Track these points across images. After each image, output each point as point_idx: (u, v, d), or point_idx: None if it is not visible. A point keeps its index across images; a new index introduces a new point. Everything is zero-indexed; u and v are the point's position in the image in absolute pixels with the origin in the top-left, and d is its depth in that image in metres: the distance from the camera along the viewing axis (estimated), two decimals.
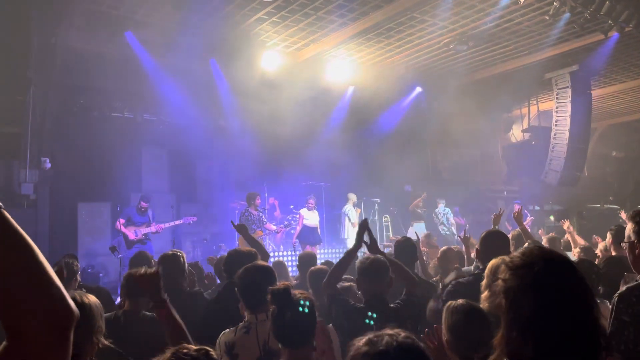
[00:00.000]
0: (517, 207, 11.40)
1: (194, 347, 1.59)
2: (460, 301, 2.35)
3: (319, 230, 10.14)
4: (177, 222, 8.98)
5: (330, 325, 2.83)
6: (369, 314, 2.90)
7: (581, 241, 6.24)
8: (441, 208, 12.31)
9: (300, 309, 2.69)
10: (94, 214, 10.47)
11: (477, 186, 12.77)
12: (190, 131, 11.07)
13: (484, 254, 3.25)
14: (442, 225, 12.11)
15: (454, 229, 12.01)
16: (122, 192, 9.35)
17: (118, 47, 8.99)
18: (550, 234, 6.89)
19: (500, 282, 1.42)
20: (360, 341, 1.31)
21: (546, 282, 1.32)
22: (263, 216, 9.30)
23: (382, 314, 2.89)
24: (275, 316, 2.17)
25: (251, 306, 2.67)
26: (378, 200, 11.74)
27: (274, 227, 9.63)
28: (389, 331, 1.31)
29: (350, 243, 9.70)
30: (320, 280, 3.78)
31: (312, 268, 4.44)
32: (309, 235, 9.78)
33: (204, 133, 11.40)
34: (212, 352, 1.60)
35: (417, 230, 11.39)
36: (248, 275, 2.74)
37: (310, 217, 9.86)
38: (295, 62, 10.75)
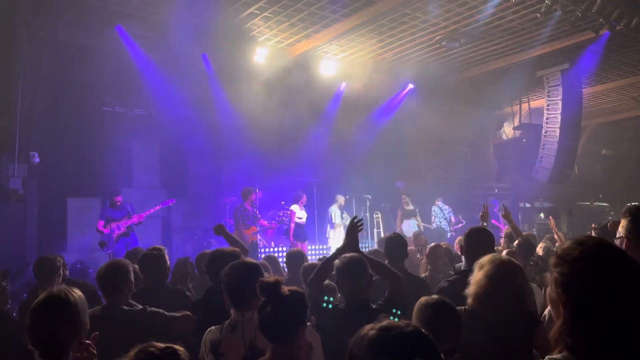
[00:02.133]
0: (497, 206, 11.65)
1: (161, 345, 1.54)
2: (434, 297, 2.41)
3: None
4: (157, 207, 8.88)
5: (309, 324, 2.79)
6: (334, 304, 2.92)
7: (563, 239, 6.27)
8: (441, 205, 12.29)
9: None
10: (83, 209, 10.38)
11: (468, 183, 12.78)
12: (182, 126, 11.05)
13: (469, 252, 3.30)
14: (442, 221, 12.08)
15: (445, 225, 12.02)
16: (112, 187, 9.30)
17: (108, 40, 8.90)
18: (527, 232, 6.87)
19: (555, 274, 1.37)
20: (368, 328, 1.28)
21: (610, 274, 1.28)
22: (257, 212, 9.26)
23: (365, 315, 2.76)
24: (261, 308, 2.13)
25: (237, 304, 2.61)
26: (369, 196, 11.70)
27: (267, 224, 9.59)
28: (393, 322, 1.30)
29: (331, 243, 10.15)
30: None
31: (306, 264, 4.51)
32: (300, 232, 9.78)
33: (195, 128, 11.30)
34: (181, 352, 1.56)
35: (407, 228, 11.60)
36: (234, 272, 2.69)
37: (302, 214, 9.85)
38: (287, 57, 10.71)
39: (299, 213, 9.77)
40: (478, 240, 3.33)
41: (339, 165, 12.56)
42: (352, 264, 3.02)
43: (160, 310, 3.03)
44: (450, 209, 12.17)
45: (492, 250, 3.30)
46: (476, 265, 2.54)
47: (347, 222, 10.00)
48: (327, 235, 10.78)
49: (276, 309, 2.07)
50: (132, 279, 3.19)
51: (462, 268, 3.48)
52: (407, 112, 12.52)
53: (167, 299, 3.44)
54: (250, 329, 2.49)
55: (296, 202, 10.08)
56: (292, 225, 9.60)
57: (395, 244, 4.21)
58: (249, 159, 11.92)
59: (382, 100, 12.72)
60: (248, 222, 9.05)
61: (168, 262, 3.85)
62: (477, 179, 13.34)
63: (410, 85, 12.54)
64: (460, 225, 11.98)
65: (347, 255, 3.12)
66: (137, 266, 3.89)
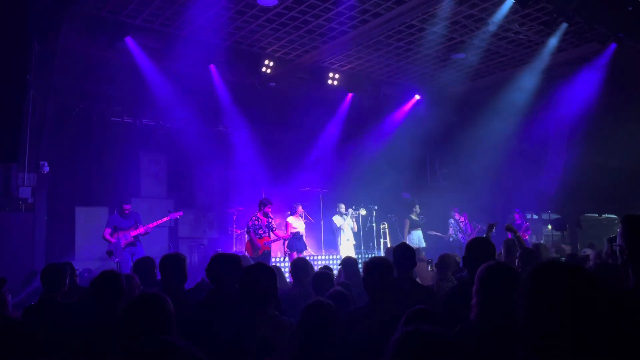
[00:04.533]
0: (517, 217, 11.58)
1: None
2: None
3: (304, 238, 10.13)
4: (164, 219, 8.85)
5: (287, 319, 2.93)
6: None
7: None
8: (457, 216, 12.17)
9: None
10: (91, 218, 10.51)
11: (473, 193, 12.53)
12: (189, 136, 11.36)
13: (470, 261, 3.42)
14: (457, 233, 11.99)
15: (460, 237, 11.93)
16: (120, 197, 9.37)
17: (118, 52, 8.99)
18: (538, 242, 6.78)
19: None
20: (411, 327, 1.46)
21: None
22: (273, 222, 9.29)
23: (389, 313, 2.91)
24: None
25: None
26: (376, 207, 11.71)
27: (282, 234, 9.62)
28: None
29: (343, 250, 10.21)
30: (324, 283, 4.09)
31: (317, 271, 4.59)
32: (296, 242, 9.74)
33: (202, 138, 11.59)
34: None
35: (413, 239, 11.57)
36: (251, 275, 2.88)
37: (298, 225, 9.87)
38: (295, 68, 10.79)
39: (295, 224, 9.81)
40: (478, 251, 3.43)
41: (345, 176, 12.59)
42: (378, 263, 3.19)
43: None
44: (466, 220, 12.06)
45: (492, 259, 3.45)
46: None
47: (351, 218, 10.15)
48: (338, 244, 10.79)
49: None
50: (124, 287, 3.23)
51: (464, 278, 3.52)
52: (414, 122, 12.54)
53: (185, 299, 3.53)
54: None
55: (292, 213, 10.12)
56: (287, 235, 9.60)
57: (403, 252, 4.17)
58: (256, 169, 12.09)
59: (389, 111, 12.83)
60: (259, 232, 9.03)
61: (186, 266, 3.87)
62: (485, 189, 12.96)
63: (417, 96, 12.57)
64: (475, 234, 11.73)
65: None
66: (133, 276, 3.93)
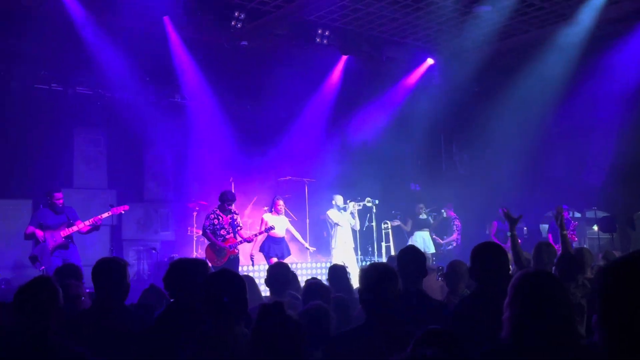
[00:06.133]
0: (566, 215, 11.61)
1: None
2: None
3: (287, 240, 10.10)
4: (105, 215, 8.60)
5: None
6: None
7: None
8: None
9: None
10: (9, 214, 10.47)
11: (500, 185, 12.64)
12: (137, 109, 11.26)
13: (479, 271, 3.58)
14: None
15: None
16: (48, 187, 9.02)
17: (46, 2, 8.90)
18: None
19: None
20: None
21: None
22: (239, 220, 9.29)
23: (389, 334, 2.99)
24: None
25: None
26: (376, 201, 11.45)
27: (249, 236, 9.52)
28: None
29: (336, 254, 10.22)
30: (316, 294, 4.17)
31: (310, 281, 4.72)
32: (274, 246, 9.71)
33: (154, 112, 11.48)
34: None
35: (418, 241, 11.69)
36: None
37: (277, 224, 9.71)
38: (274, 22, 10.67)
39: (272, 222, 9.66)
40: (491, 257, 3.57)
41: (337, 161, 12.53)
42: (379, 271, 3.20)
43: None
44: (457, 220, 12.31)
45: (507, 270, 3.62)
46: None
47: (349, 215, 10.61)
48: (332, 247, 10.76)
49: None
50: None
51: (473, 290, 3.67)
52: (426, 94, 12.53)
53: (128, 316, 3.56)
54: None
55: (271, 209, 10.06)
56: (260, 237, 9.58)
57: (411, 257, 4.14)
58: (223, 152, 12.06)
59: (394, 79, 12.71)
60: (222, 233, 8.97)
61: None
62: (513, 179, 12.99)
63: (430, 61, 12.48)
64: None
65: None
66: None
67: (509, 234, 5.15)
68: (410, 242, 11.49)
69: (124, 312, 3.73)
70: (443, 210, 12.64)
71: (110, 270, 3.65)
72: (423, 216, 12.26)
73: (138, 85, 11.17)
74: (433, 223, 12.44)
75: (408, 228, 12.23)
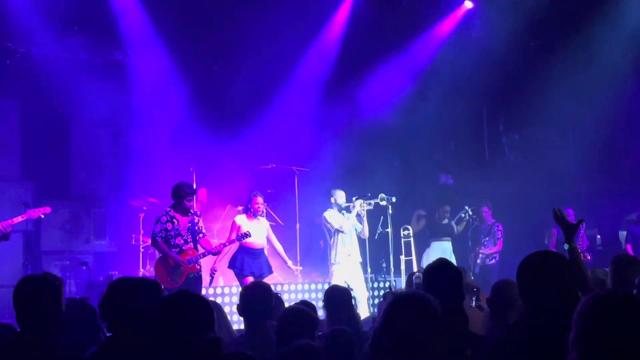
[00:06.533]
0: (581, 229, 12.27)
1: None
2: None
3: (266, 252, 9.68)
4: (19, 218, 8.45)
5: None
6: None
7: None
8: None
9: None
10: None
11: (563, 177, 12.22)
12: (62, 70, 10.92)
13: (532, 292, 3.23)
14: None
15: None
16: None
17: None
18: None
19: None
20: None
21: None
22: (201, 224, 8.90)
23: None
24: None
25: None
26: (393, 199, 10.58)
27: (216, 244, 9.28)
28: None
29: (338, 272, 10.09)
30: (300, 328, 4.02)
31: (288, 309, 4.65)
32: (250, 260, 9.27)
33: (85, 74, 11.13)
34: None
35: (436, 253, 11.17)
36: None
37: (255, 231, 9.20)
38: None
39: (247, 227, 9.21)
40: (552, 273, 3.23)
41: (339, 144, 12.36)
42: (413, 303, 3.04)
43: None
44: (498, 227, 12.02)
45: (573, 293, 3.35)
46: None
47: (355, 218, 10.66)
48: (331, 261, 10.19)
49: None
50: None
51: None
52: (463, 50, 11.98)
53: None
54: None
55: (246, 210, 9.62)
56: (225, 245, 9.27)
57: (445, 274, 4.02)
58: (182, 131, 11.80)
59: (419, 29, 12.07)
60: (177, 242, 8.46)
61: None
62: (577, 168, 12.80)
63: (468, 4, 11.86)
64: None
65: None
66: None
67: (566, 246, 4.47)
68: (425, 255, 11.52)
69: (55, 344, 3.64)
70: (482, 211, 12.18)
71: (38, 293, 3.51)
72: (446, 221, 11.86)
73: (63, 38, 10.64)
74: (458, 228, 12.11)
75: (415, 230, 11.91)
